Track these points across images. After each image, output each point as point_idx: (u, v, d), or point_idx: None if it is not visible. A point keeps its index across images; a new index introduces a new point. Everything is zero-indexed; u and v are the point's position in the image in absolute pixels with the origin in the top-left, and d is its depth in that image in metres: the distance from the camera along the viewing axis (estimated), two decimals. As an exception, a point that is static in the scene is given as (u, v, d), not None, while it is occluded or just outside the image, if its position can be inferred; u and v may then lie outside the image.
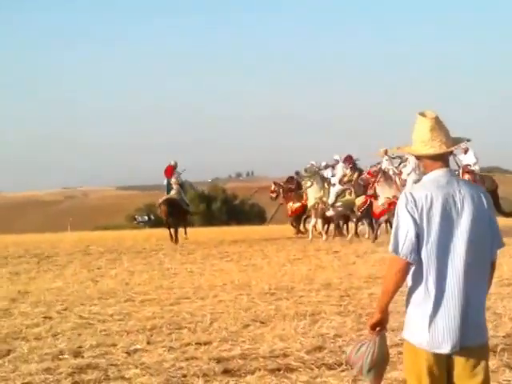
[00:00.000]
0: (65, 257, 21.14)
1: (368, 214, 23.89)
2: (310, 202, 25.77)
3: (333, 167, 26.86)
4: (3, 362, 8.05)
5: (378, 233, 23.27)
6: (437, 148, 4.33)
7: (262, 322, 9.92)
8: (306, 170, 27.19)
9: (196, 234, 29.79)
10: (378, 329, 4.60)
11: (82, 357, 8.19)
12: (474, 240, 4.23)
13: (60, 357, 8.19)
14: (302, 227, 28.06)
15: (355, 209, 24.22)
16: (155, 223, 76.94)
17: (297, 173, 29.32)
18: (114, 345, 8.68)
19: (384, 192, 22.86)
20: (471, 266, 4.23)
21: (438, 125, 4.36)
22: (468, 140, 4.48)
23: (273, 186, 29.56)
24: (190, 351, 8.30)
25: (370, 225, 24.22)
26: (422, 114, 4.39)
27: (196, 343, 8.64)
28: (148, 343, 8.74)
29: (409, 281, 4.38)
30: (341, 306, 11.01)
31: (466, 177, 22.93)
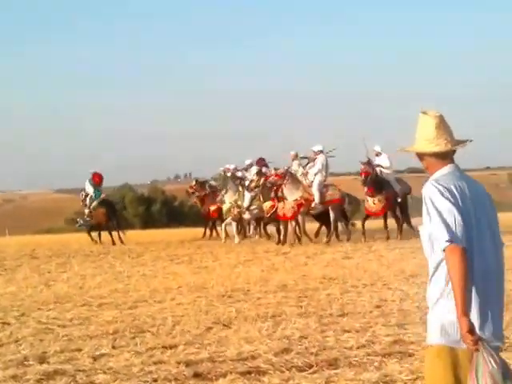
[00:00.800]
0: (12, 261, 20.97)
1: (276, 218, 24.13)
2: (226, 206, 25.95)
3: (246, 170, 26.92)
4: (-35, 369, 7.93)
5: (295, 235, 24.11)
6: (442, 146, 4.31)
7: (225, 325, 9.90)
8: (214, 179, 27.65)
9: (138, 236, 29.76)
10: (475, 336, 3.96)
11: (48, 363, 8.07)
12: (495, 231, 4.29)
13: (25, 363, 8.05)
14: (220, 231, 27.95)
15: (264, 213, 24.44)
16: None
17: (205, 182, 29.87)
18: (79, 350, 8.59)
19: (291, 194, 23.26)
20: (498, 259, 4.26)
21: (443, 123, 4.35)
22: (470, 141, 4.41)
23: (193, 183, 29.78)
24: (156, 355, 8.24)
25: (278, 229, 24.34)
26: (426, 113, 4.37)
27: (162, 347, 8.59)
28: (113, 348, 8.67)
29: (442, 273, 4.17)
30: (301, 307, 11.04)
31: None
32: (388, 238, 23.22)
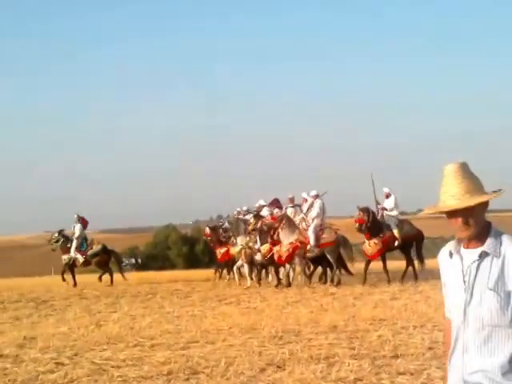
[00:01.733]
0: (62, 301, 21.15)
1: (273, 262, 24.19)
2: (237, 248, 25.98)
3: (258, 212, 26.63)
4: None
5: (291, 276, 24.33)
6: (440, 205, 3.97)
7: (279, 366, 9.88)
8: (229, 223, 27.78)
9: (183, 276, 29.88)
10: None
11: (105, 404, 8.15)
12: None
13: (83, 404, 8.14)
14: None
15: (261, 257, 24.48)
16: (141, 266, 76.72)
17: (216, 227, 30.32)
18: (135, 391, 8.65)
19: (287, 238, 23.41)
20: None
21: (450, 177, 3.95)
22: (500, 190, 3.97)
23: (207, 230, 30.11)
24: (212, 397, 8.28)
25: (276, 272, 24.48)
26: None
27: (217, 388, 8.62)
28: (168, 389, 8.71)
29: None
30: (353, 348, 10.97)
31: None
32: (389, 281, 22.98)
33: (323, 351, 10.78)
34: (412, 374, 9.05)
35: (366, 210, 23.37)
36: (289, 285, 23.57)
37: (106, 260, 28.99)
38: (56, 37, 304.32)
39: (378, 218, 23.97)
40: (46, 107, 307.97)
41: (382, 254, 23.79)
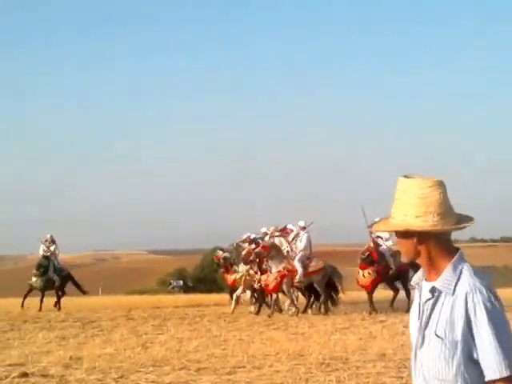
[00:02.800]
0: (108, 321, 21.20)
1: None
2: (238, 275, 25.75)
3: (261, 239, 26.13)
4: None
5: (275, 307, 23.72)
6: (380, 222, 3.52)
7: (324, 395, 9.75)
8: (229, 251, 27.59)
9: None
10: None
11: (149, 427, 8.06)
12: None
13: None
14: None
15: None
16: (189, 288, 76.71)
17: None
18: (179, 415, 8.54)
19: (276, 266, 23.13)
20: None
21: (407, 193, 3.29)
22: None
23: (220, 254, 29.28)
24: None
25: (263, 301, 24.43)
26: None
27: (264, 415, 8.48)
28: (214, 414, 8.59)
29: None
30: (402, 378, 10.78)
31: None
32: (371, 312, 22.68)
33: (371, 379, 10.64)
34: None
35: (374, 241, 23.27)
36: (280, 310, 23.81)
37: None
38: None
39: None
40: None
41: (376, 285, 23.54)
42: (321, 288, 23.66)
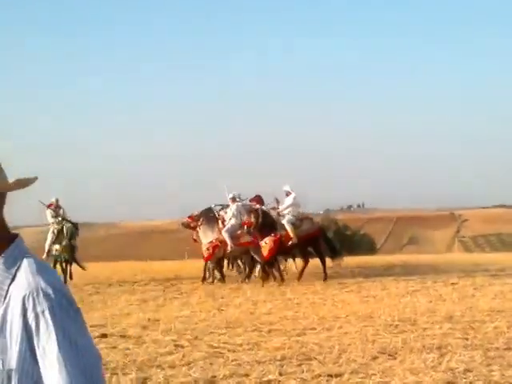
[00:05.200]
0: (188, 285, 21.72)
1: None
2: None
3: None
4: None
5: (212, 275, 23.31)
6: None
7: (390, 355, 9.99)
8: None
9: (310, 263, 29.97)
10: None
11: (217, 387, 8.45)
12: None
13: (194, 386, 8.47)
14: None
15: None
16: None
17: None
18: (247, 375, 8.89)
19: (206, 236, 23.14)
20: None
21: None
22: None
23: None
24: (322, 383, 8.47)
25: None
26: None
27: (328, 375, 8.77)
28: (280, 374, 8.92)
29: None
30: (467, 339, 10.99)
31: None
32: (282, 280, 22.18)
33: (436, 341, 10.85)
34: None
35: (254, 212, 22.81)
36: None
37: None
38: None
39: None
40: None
41: (274, 254, 22.84)
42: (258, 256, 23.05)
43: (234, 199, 23.89)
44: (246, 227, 22.76)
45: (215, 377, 8.88)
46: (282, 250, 23.08)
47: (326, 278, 22.32)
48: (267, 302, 16.40)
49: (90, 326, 12.78)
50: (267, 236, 22.50)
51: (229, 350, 10.54)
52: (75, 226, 24.09)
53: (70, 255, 23.67)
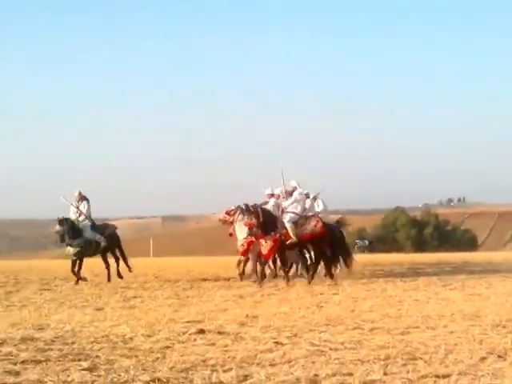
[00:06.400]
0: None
1: None
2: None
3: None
4: (244, 388, 8.17)
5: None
6: None
7: (500, 356, 9.52)
8: None
9: (410, 259, 29.52)
10: None
11: (320, 386, 8.17)
12: None
13: (298, 385, 8.20)
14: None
15: None
16: (372, 248, 76.99)
17: None
18: (350, 374, 8.56)
19: (242, 231, 22.63)
20: None
21: None
22: None
23: None
24: (428, 384, 8.12)
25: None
26: None
27: (434, 376, 8.38)
28: (384, 374, 8.57)
29: None
30: None
31: None
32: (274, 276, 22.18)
33: (549, 342, 10.33)
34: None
35: (255, 213, 21.97)
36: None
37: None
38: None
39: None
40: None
41: (275, 253, 22.22)
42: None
43: (272, 195, 23.59)
44: (247, 229, 22.55)
45: (317, 375, 8.58)
46: (283, 249, 22.64)
47: (332, 277, 21.76)
48: (367, 300, 16.07)
49: (187, 322, 12.72)
50: (269, 235, 22.21)
51: (330, 349, 10.22)
52: (93, 223, 23.50)
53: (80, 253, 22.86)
